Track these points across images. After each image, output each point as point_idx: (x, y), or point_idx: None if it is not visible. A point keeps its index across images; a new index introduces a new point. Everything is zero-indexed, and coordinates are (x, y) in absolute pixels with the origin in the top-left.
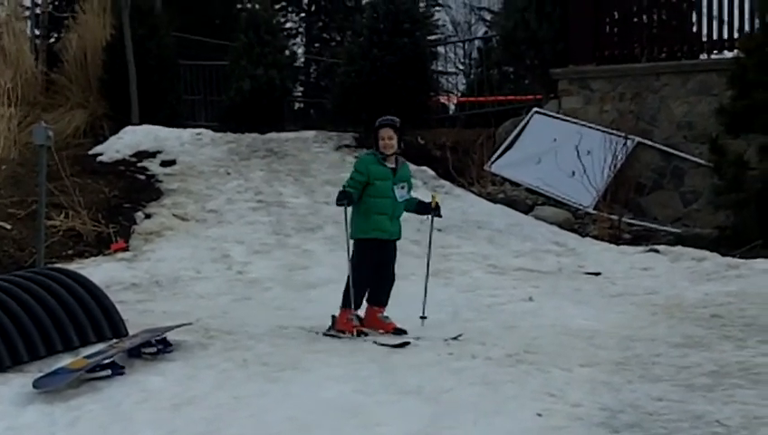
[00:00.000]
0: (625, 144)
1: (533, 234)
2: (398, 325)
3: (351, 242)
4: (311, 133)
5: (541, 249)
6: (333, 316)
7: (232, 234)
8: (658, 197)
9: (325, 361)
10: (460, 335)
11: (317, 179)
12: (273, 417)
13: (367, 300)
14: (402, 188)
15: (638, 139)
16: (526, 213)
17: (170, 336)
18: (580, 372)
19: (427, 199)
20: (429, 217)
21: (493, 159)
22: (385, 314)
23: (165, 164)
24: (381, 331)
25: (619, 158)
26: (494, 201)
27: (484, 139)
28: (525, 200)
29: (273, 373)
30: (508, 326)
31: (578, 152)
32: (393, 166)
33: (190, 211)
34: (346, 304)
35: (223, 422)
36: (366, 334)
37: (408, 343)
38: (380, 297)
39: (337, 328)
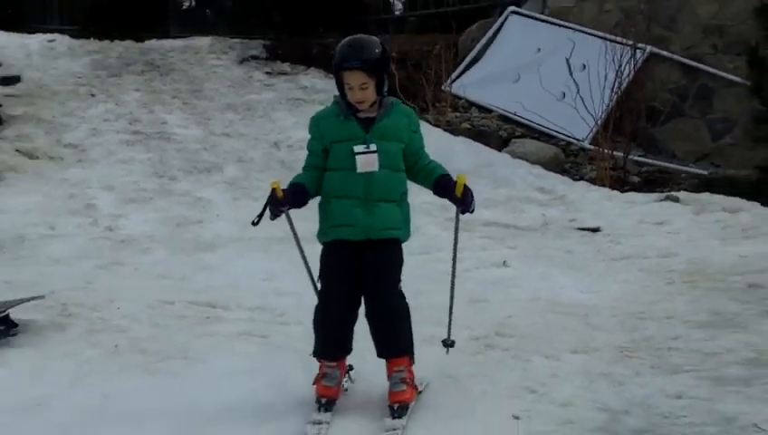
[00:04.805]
0: (633, 56)
1: (509, 177)
2: (398, 405)
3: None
4: (205, 41)
5: (519, 197)
6: None
7: (98, 176)
8: (678, 126)
9: (228, 348)
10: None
11: (214, 103)
12: (155, 422)
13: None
14: (371, 150)
15: (650, 48)
16: (500, 149)
17: (14, 314)
18: (572, 360)
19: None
20: (455, 209)
21: (454, 75)
22: (399, 374)
23: (5, 82)
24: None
25: (626, 74)
26: (456, 132)
27: (442, 48)
28: (498, 132)
29: (155, 364)
30: (475, 301)
31: (569, 67)
32: (370, 115)
33: (41, 146)
34: (314, 350)
35: (86, 430)
36: (329, 407)
37: None
38: (377, 342)
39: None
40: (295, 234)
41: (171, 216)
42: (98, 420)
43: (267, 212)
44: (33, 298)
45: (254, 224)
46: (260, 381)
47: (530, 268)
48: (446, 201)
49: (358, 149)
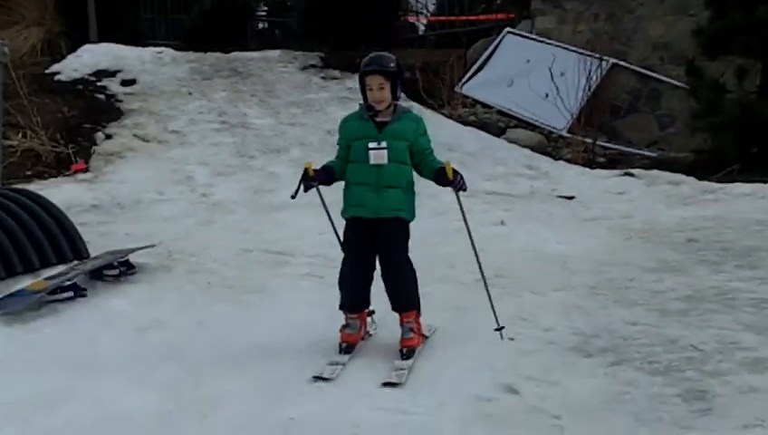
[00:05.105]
0: (599, 66)
1: (505, 157)
2: (407, 350)
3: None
4: (275, 53)
5: (513, 173)
6: None
7: (195, 155)
8: (634, 120)
9: (293, 285)
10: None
11: (282, 100)
12: (238, 342)
13: None
14: (382, 147)
15: (612, 60)
16: (498, 136)
17: (133, 258)
18: (553, 296)
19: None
20: (455, 195)
21: (464, 80)
22: (408, 324)
23: (125, 83)
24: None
25: (594, 80)
26: (465, 124)
27: (454, 60)
28: (497, 123)
29: (239, 297)
30: (479, 250)
31: (551, 74)
32: (385, 119)
33: (152, 132)
34: (339, 304)
35: (186, 347)
36: (349, 350)
37: (392, 384)
38: (390, 299)
39: None
40: (324, 204)
41: (250, 185)
42: (195, 338)
43: (302, 186)
44: (146, 246)
45: (292, 197)
46: (317, 310)
47: (521, 226)
48: None
49: (371, 145)
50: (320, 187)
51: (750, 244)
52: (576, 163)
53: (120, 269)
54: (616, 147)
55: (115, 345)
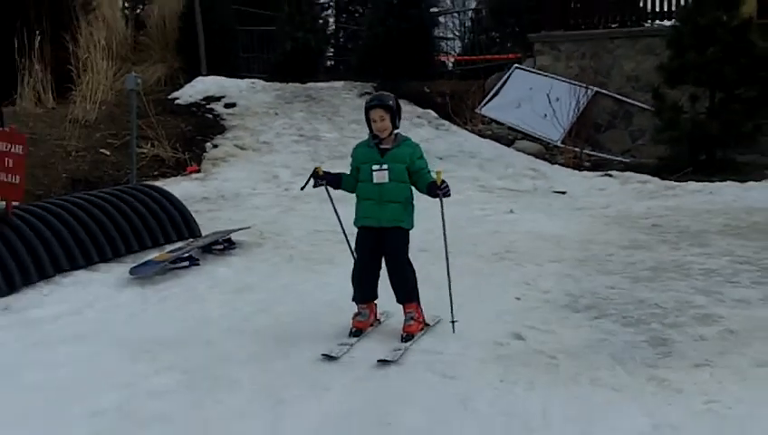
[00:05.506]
0: (586, 93)
1: (514, 162)
2: (406, 334)
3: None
4: (340, 83)
5: (519, 174)
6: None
7: (280, 160)
8: (612, 134)
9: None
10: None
11: (345, 119)
12: (313, 300)
13: None
14: (383, 168)
15: (596, 89)
16: (508, 146)
17: (234, 237)
18: (550, 266)
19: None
20: (439, 199)
21: (482, 103)
22: (410, 314)
23: (228, 106)
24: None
25: (582, 103)
26: (483, 136)
27: (475, 88)
28: (508, 136)
29: (313, 267)
30: (493, 232)
31: (549, 99)
32: (387, 147)
33: (247, 142)
34: (352, 296)
35: (273, 304)
36: (358, 334)
37: (385, 361)
38: (395, 293)
39: None
40: (333, 204)
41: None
42: (280, 297)
43: (311, 182)
44: (243, 228)
45: (301, 189)
46: None
47: (525, 214)
48: (477, 175)
49: (375, 167)
50: (328, 187)
51: (700, 228)
52: (567, 166)
53: (224, 245)
54: (598, 154)
55: (220, 302)
